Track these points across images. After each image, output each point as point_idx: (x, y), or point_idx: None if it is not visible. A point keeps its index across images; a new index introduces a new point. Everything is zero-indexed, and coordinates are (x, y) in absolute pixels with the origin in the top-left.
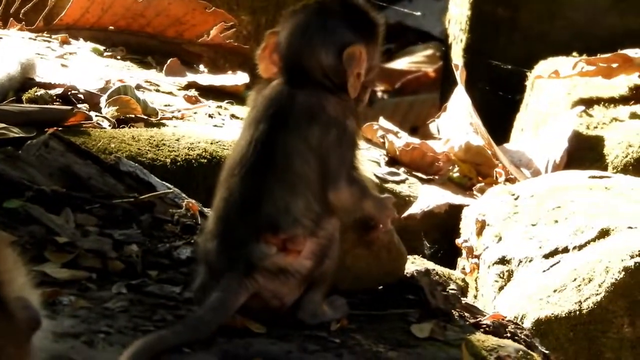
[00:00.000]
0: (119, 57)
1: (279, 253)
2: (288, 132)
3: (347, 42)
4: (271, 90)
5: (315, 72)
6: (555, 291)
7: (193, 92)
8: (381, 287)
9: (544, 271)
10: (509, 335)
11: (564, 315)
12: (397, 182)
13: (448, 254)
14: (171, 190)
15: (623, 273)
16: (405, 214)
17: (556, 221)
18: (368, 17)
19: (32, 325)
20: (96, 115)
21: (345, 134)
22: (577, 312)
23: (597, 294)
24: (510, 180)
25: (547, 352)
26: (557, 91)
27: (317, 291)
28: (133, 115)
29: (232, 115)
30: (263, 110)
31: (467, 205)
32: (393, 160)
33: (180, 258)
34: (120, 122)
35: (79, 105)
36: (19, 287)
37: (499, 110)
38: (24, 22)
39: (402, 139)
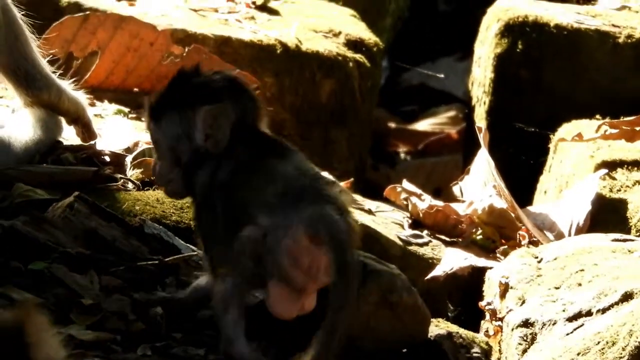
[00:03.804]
0: (143, 119)
1: None
2: None
3: None
4: None
5: None
6: (579, 354)
7: None
8: (405, 349)
9: (568, 334)
10: None
11: None
12: (421, 245)
13: (471, 317)
14: (195, 253)
15: None
16: (429, 276)
17: (579, 284)
18: None
19: None
20: (121, 177)
21: None
22: None
23: (620, 357)
24: (533, 243)
25: None
26: (580, 154)
27: None
28: None
29: None
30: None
31: (491, 268)
32: (416, 223)
33: (203, 320)
34: (145, 184)
35: (104, 167)
36: (49, 349)
37: (522, 172)
38: None
39: (425, 202)
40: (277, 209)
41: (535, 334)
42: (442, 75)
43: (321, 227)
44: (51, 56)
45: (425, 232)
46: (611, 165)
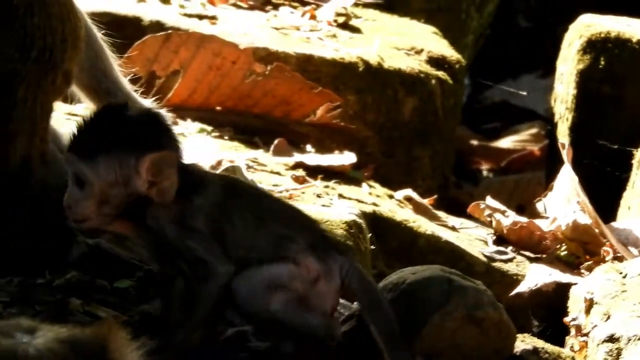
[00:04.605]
0: (226, 137)
1: None
2: None
3: None
4: None
5: None
6: None
7: (300, 172)
8: None
9: None
10: None
11: None
12: (505, 261)
13: (556, 332)
14: None
15: None
16: (514, 292)
17: None
18: None
19: None
20: None
21: None
22: None
23: None
24: (618, 258)
25: None
26: None
27: None
28: None
29: (340, 195)
30: None
31: (575, 284)
32: (501, 239)
33: None
34: None
35: None
36: None
37: (605, 188)
38: None
39: (509, 218)
40: (320, 252)
41: (621, 349)
42: (524, 93)
43: (352, 276)
44: (133, 75)
45: (510, 248)
46: None
